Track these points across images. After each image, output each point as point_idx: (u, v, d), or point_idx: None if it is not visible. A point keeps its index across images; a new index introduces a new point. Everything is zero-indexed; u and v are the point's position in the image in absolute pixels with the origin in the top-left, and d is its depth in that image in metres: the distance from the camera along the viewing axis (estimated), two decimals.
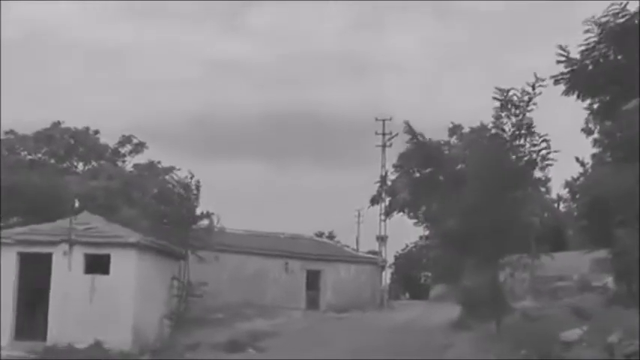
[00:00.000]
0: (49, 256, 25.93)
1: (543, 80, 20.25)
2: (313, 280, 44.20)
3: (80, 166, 43.18)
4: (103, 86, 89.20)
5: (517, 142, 21.71)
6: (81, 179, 38.89)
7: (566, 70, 15.84)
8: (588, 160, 37.96)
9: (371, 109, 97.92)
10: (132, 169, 42.57)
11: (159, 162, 41.67)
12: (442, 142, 34.67)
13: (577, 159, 39.83)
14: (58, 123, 42.31)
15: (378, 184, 55.85)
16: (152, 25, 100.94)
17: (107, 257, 25.88)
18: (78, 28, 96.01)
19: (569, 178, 44.81)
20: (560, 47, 16.28)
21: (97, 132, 43.66)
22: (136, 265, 26.02)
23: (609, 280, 30.08)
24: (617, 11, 15.11)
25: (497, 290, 23.08)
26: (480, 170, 22.11)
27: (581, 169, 40.69)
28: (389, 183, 55.27)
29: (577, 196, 42.16)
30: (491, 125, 22.53)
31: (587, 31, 15.08)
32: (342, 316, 38.42)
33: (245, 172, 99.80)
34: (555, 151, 21.59)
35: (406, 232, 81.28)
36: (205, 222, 33.42)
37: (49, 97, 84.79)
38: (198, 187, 32.98)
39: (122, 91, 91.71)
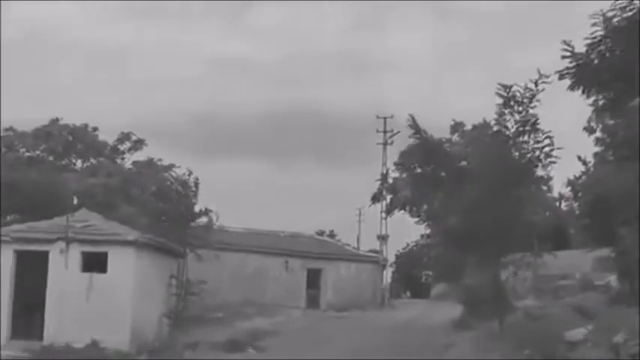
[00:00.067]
0: (45, 254, 25.71)
1: (548, 77, 20.11)
2: (314, 279, 44.05)
3: (79, 163, 42.96)
4: (103, 86, 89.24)
5: (520, 139, 21.46)
6: (79, 176, 38.64)
7: (571, 65, 15.58)
8: (590, 159, 37.84)
9: (371, 109, 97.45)
10: (131, 167, 42.34)
11: (159, 159, 41.44)
12: (444, 140, 34.37)
13: (579, 157, 39.67)
14: (57, 120, 42.10)
15: (379, 182, 55.66)
16: (152, 25, 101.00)
17: (105, 255, 25.67)
18: (78, 28, 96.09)
19: (571, 177, 44.60)
20: (565, 42, 16.03)
21: (95, 129, 43.44)
22: (133, 263, 25.80)
23: (612, 279, 29.92)
24: (624, 5, 14.88)
25: (500, 289, 22.84)
26: (482, 168, 21.88)
27: (583, 168, 40.55)
28: (390, 181, 55.09)
29: (579, 195, 41.93)
30: (493, 122, 22.29)
31: (594, 24, 14.83)
32: (342, 314, 38.30)
33: (246, 171, 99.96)
34: (559, 148, 21.39)
35: (407, 230, 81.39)
36: (204, 219, 33.21)
37: (49, 96, 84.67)
38: (196, 185, 32.82)
39: (123, 90, 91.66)
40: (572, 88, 16.03)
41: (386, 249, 53.75)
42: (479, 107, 63.94)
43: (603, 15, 14.94)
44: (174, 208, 32.67)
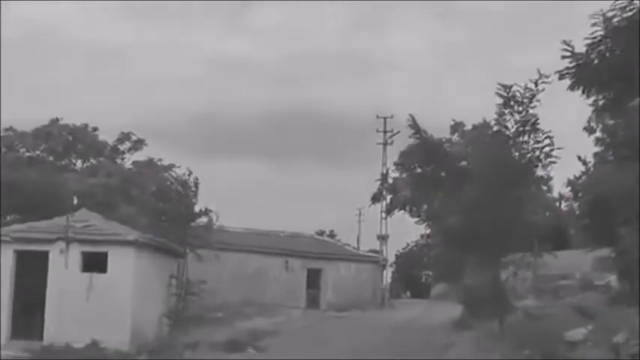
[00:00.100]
0: (45, 254, 25.68)
1: (548, 77, 20.09)
2: (314, 279, 44.01)
3: (79, 163, 42.92)
4: (103, 86, 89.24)
5: (520, 139, 21.43)
6: (79, 176, 38.61)
7: (571, 65, 15.56)
8: (590, 159, 37.83)
9: (372, 109, 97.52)
10: (131, 167, 42.30)
11: (159, 159, 41.41)
12: (444, 140, 34.37)
13: (579, 158, 39.65)
14: (57, 120, 42.07)
15: (379, 182, 55.64)
16: (152, 25, 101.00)
17: (105, 255, 25.64)
18: (78, 28, 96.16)
19: (571, 177, 44.59)
20: (565, 42, 16.00)
21: (95, 129, 43.39)
22: (133, 263, 25.77)
23: (612, 279, 29.89)
24: (624, 5, 14.86)
25: (500, 289, 22.81)
26: (482, 168, 21.85)
27: (583, 168, 40.54)
28: (390, 181, 55.07)
29: (579, 195, 41.91)
30: (493, 122, 22.26)
31: (594, 24, 14.81)
32: (342, 314, 38.26)
33: (246, 171, 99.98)
34: (559, 148, 21.35)
35: (407, 230, 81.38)
36: (204, 219, 33.17)
37: (49, 96, 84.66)
38: (196, 184, 32.78)
39: (123, 90, 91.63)
40: (572, 88, 16.00)
41: (386, 249, 53.76)
42: (479, 107, 64.01)
43: (603, 15, 14.92)
44: (174, 208, 32.63)
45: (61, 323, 24.83)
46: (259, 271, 41.46)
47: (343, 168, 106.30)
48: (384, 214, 54.16)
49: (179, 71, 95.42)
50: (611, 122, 29.50)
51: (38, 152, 41.67)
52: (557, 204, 51.64)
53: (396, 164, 52.33)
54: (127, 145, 43.81)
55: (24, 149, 41.45)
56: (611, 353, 16.15)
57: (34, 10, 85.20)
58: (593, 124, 36.33)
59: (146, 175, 39.03)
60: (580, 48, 16.07)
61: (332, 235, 74.97)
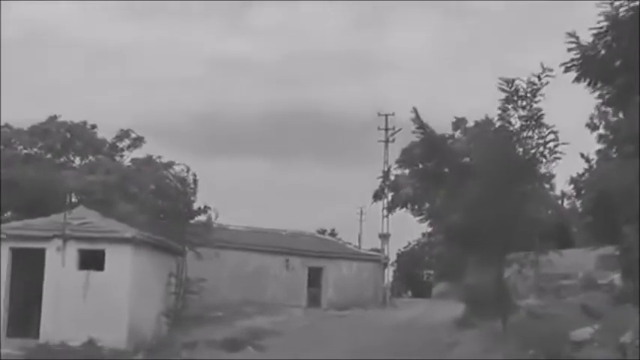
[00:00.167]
0: (42, 251, 25.40)
1: (551, 70, 19.79)
2: (315, 278, 43.81)
3: (77, 160, 42.64)
4: (104, 85, 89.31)
5: (524, 135, 21.09)
6: (78, 174, 38.33)
7: (577, 57, 15.21)
8: (593, 156, 37.60)
9: (372, 109, 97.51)
10: (130, 164, 42.02)
11: (158, 157, 41.13)
12: (447, 136, 34.15)
13: (582, 155, 39.37)
14: (55, 117, 41.80)
15: (381, 180, 55.41)
16: (152, 25, 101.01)
17: (102, 253, 25.35)
18: (78, 28, 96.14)
19: (574, 175, 44.30)
20: (570, 34, 15.63)
21: (94, 126, 43.13)
22: (131, 261, 25.46)
23: (615, 278, 29.63)
24: None
25: (502, 288, 22.51)
26: (485, 164, 21.54)
27: (586, 165, 40.26)
28: (392, 178, 54.86)
29: (582, 193, 41.64)
30: (497, 118, 21.93)
31: (602, 14, 14.47)
32: (343, 313, 38.10)
33: (247, 170, 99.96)
34: (564, 144, 20.99)
35: (409, 229, 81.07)
36: (203, 217, 32.90)
37: (49, 97, 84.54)
38: (195, 181, 32.48)
39: (123, 90, 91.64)
40: (578, 80, 15.64)
41: (387, 248, 53.40)
42: (480, 107, 63.93)
43: (611, 3, 14.57)
44: (173, 206, 32.37)
45: (57, 321, 24.54)
46: (260, 269, 41.21)
47: (344, 167, 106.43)
48: (385, 212, 53.91)
49: (179, 71, 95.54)
50: (614, 119, 29.25)
51: (35, 149, 41.41)
52: (560, 202, 51.32)
53: (397, 161, 52.20)
54: (126, 142, 43.52)
55: (21, 146, 41.18)
56: (617, 353, 15.86)
57: (34, 10, 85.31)
58: (595, 120, 36.13)
59: (145, 172, 38.77)
60: (587, 39, 15.72)
61: (333, 233, 74.81)
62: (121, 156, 43.43)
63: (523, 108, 20.84)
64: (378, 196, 56.31)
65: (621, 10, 14.71)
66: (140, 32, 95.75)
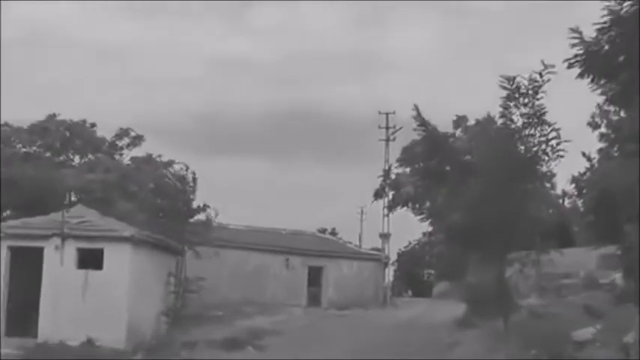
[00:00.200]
0: (40, 250, 25.21)
1: (553, 66, 19.65)
2: (315, 277, 43.73)
3: (76, 159, 42.47)
4: (104, 85, 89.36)
5: (526, 132, 20.93)
6: (77, 172, 38.18)
7: (580, 52, 15.06)
8: (594, 155, 37.53)
9: (373, 108, 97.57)
10: (129, 163, 41.86)
11: (158, 156, 40.96)
12: (448, 134, 34.04)
13: (583, 154, 39.30)
14: (54, 115, 41.64)
15: (382, 178, 55.34)
16: (153, 25, 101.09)
17: (100, 252, 25.15)
18: (78, 28, 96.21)
19: (575, 174, 44.24)
20: (573, 30, 15.48)
21: (93, 125, 42.96)
22: (130, 260, 25.27)
23: (617, 277, 29.52)
24: None
25: (503, 287, 22.38)
26: (486, 162, 21.40)
27: (587, 164, 40.20)
28: (392, 177, 54.79)
29: (584, 192, 41.56)
30: (498, 116, 21.79)
31: (605, 8, 14.31)
32: (344, 313, 38.04)
33: (247, 170, 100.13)
34: (566, 141, 20.83)
35: (409, 228, 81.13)
36: (202, 216, 32.76)
37: (49, 96, 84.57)
38: (194, 180, 32.31)
39: (123, 90, 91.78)
40: (581, 76, 15.49)
41: (388, 247, 53.38)
42: (480, 107, 63.92)
43: None
44: (173, 205, 32.22)
45: (55, 321, 24.36)
46: (259, 268, 41.12)
47: (344, 167, 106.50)
48: (386, 211, 53.82)
49: (179, 71, 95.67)
50: (616, 117, 29.13)
51: (34, 148, 41.26)
52: (561, 201, 51.24)
53: (398, 160, 52.13)
54: (126, 141, 43.34)
55: (20, 145, 41.03)
56: (620, 353, 15.72)
57: (34, 10, 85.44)
58: (597, 119, 36.00)
59: (144, 171, 38.62)
60: (590, 34, 15.57)
61: (334, 233, 74.67)
62: (121, 154, 43.23)
63: (525, 105, 20.71)
64: (378, 195, 56.28)
65: (625, 4, 14.55)
66: (140, 32, 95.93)
